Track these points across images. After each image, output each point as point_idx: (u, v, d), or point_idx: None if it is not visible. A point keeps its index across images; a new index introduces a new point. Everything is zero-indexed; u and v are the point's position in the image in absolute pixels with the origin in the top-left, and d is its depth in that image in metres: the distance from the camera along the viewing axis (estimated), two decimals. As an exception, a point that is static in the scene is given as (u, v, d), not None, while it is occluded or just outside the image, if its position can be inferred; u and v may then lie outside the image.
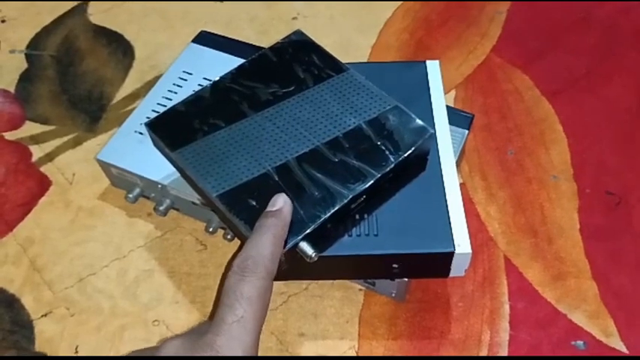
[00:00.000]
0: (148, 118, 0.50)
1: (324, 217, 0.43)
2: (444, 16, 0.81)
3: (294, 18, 0.82)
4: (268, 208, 0.42)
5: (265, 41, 0.53)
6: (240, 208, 0.44)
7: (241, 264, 0.37)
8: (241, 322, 0.35)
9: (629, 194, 0.63)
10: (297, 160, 0.46)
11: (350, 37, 0.79)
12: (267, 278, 0.37)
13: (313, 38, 0.54)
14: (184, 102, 0.50)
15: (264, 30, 0.81)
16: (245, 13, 0.83)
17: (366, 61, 0.76)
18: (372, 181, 0.45)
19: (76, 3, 0.85)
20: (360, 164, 0.46)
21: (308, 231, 0.43)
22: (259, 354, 0.39)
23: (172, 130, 0.49)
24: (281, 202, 0.43)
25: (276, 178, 0.45)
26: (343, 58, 0.53)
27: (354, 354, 0.53)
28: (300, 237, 0.42)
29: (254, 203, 0.44)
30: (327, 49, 0.53)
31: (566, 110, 0.70)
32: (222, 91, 0.51)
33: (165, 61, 0.77)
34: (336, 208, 0.44)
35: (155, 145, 0.51)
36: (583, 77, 0.74)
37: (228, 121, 0.49)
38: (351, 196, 0.44)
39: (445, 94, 0.72)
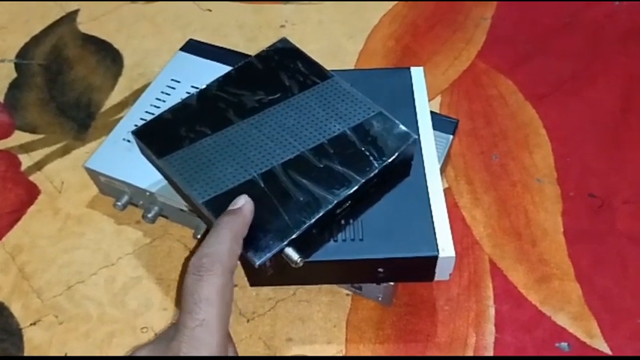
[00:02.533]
0: (135, 126, 0.51)
1: (309, 222, 0.44)
2: (430, 22, 0.82)
3: (282, 25, 0.83)
4: (229, 207, 0.42)
5: (254, 48, 0.54)
6: (225, 215, 0.44)
7: (197, 262, 0.37)
8: (204, 326, 0.34)
9: (612, 197, 0.64)
10: (282, 167, 0.47)
11: (338, 44, 0.80)
12: (224, 274, 0.37)
13: (301, 45, 0.54)
14: (171, 110, 0.51)
15: (253, 37, 0.82)
16: (234, 20, 0.84)
17: (353, 66, 0.77)
18: (356, 187, 0.46)
19: (65, 12, 0.86)
20: (344, 170, 0.46)
21: (293, 236, 0.43)
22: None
23: (159, 137, 0.49)
24: (242, 201, 0.42)
25: (262, 185, 0.46)
26: (331, 64, 0.54)
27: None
28: (285, 242, 0.43)
29: (240, 210, 0.44)
30: (315, 55, 0.54)
31: (551, 114, 0.71)
32: (208, 98, 0.51)
33: (154, 68, 0.77)
34: (321, 214, 0.44)
35: (142, 152, 0.51)
36: (568, 81, 0.75)
37: (215, 129, 0.49)
38: (335, 202, 0.45)
39: (431, 99, 0.73)
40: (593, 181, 0.65)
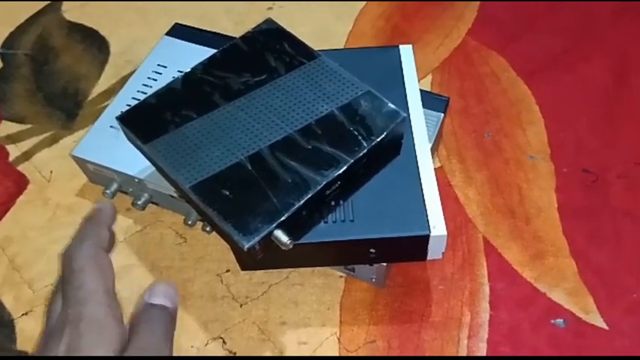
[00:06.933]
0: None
1: (297, 204, 0.43)
2: (420, 0, 0.81)
3: (269, 8, 0.82)
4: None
5: (242, 32, 0.53)
6: (213, 199, 0.44)
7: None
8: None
9: (605, 172, 0.63)
10: (270, 149, 0.46)
11: (326, 25, 0.79)
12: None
13: (289, 27, 0.53)
14: (156, 94, 0.50)
15: (241, 21, 0.81)
16: (221, 5, 0.83)
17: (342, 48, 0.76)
18: (345, 167, 0.45)
19: (50, 0, 0.84)
20: (333, 150, 0.46)
21: (282, 219, 0.43)
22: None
23: (144, 122, 0.49)
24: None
25: (249, 167, 0.45)
26: (319, 46, 0.53)
27: (336, 340, 0.54)
28: (274, 225, 0.42)
29: (227, 193, 0.44)
30: (303, 37, 0.53)
31: (543, 91, 0.71)
32: (193, 82, 0.51)
33: (141, 55, 0.76)
34: (309, 195, 0.44)
35: (128, 138, 0.51)
36: (559, 57, 0.74)
37: (200, 112, 0.49)
38: (324, 183, 0.44)
39: (422, 78, 0.72)
40: (586, 157, 0.65)
